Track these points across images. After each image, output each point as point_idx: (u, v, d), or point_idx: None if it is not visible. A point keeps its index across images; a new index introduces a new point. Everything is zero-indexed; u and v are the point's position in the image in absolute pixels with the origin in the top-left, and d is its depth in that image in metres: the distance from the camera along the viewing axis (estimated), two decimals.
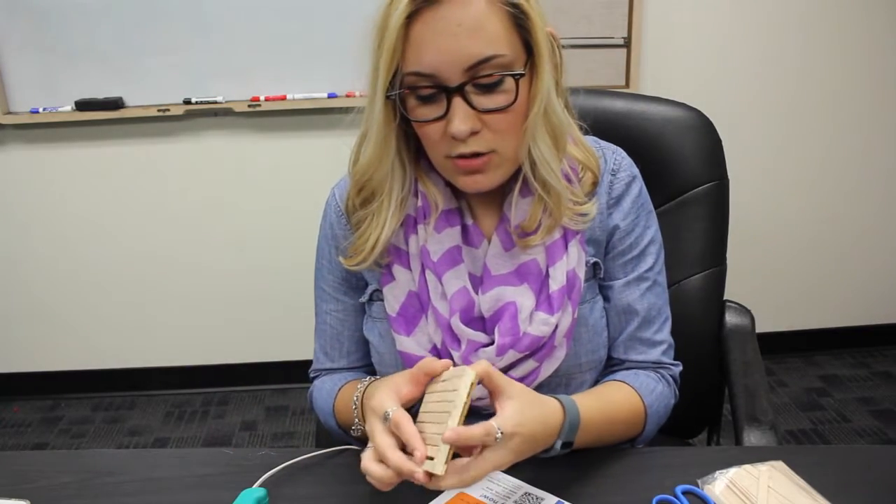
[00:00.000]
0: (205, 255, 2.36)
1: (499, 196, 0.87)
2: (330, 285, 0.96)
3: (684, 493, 0.78)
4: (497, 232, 0.87)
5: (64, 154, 2.24)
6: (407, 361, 0.88)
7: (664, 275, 0.94)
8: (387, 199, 0.84)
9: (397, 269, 0.88)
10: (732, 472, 0.81)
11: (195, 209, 2.31)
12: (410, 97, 0.78)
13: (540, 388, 0.86)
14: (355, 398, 0.86)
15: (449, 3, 0.73)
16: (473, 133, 0.77)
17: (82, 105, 2.14)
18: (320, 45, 2.11)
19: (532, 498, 0.78)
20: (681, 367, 0.95)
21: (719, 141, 1.13)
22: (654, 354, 0.92)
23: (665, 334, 0.94)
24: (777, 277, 2.50)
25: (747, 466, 0.81)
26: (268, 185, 2.30)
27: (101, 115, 2.14)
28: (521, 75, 0.76)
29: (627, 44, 2.19)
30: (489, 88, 0.76)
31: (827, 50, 2.28)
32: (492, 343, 0.85)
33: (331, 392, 0.95)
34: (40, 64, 2.11)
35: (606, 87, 2.21)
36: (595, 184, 0.88)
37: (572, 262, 0.86)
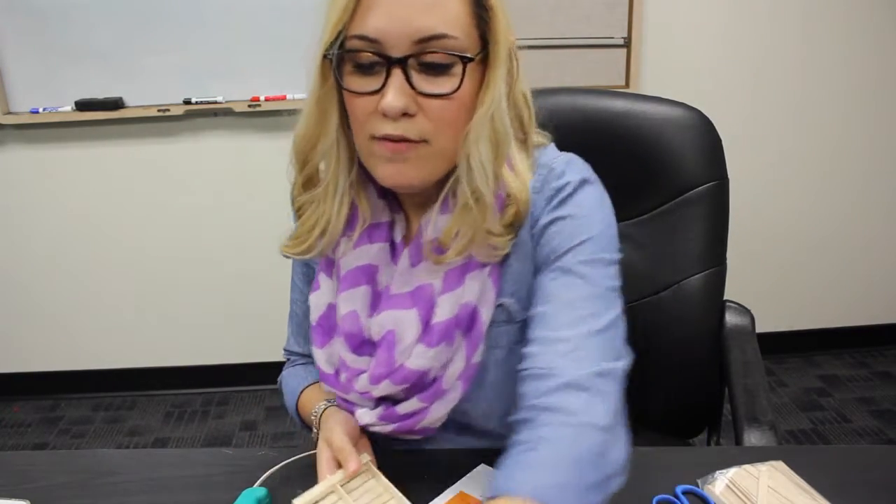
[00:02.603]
0: (205, 255, 2.36)
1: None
2: (297, 275, 0.97)
3: (684, 493, 0.78)
4: (410, 246, 0.80)
5: (64, 154, 2.24)
6: (320, 376, 0.86)
7: (604, 277, 0.77)
8: (332, 184, 0.79)
9: (322, 278, 0.85)
10: (732, 472, 0.81)
11: (195, 209, 2.31)
12: (349, 63, 0.72)
13: (446, 428, 0.84)
14: (313, 414, 0.89)
15: None
16: (407, 115, 0.71)
17: (82, 105, 2.14)
18: None
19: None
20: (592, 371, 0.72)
21: (719, 141, 1.13)
22: (567, 370, 0.71)
23: (576, 331, 0.73)
24: (777, 277, 2.50)
25: (747, 466, 0.81)
26: (268, 185, 2.30)
27: (101, 115, 2.14)
28: (471, 59, 0.71)
29: (627, 44, 2.19)
30: (434, 71, 0.70)
31: (827, 49, 2.28)
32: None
33: (294, 392, 0.96)
34: (40, 64, 2.11)
35: (606, 87, 2.20)
36: (516, 221, 0.78)
37: (469, 295, 0.78)
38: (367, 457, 0.80)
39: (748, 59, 2.27)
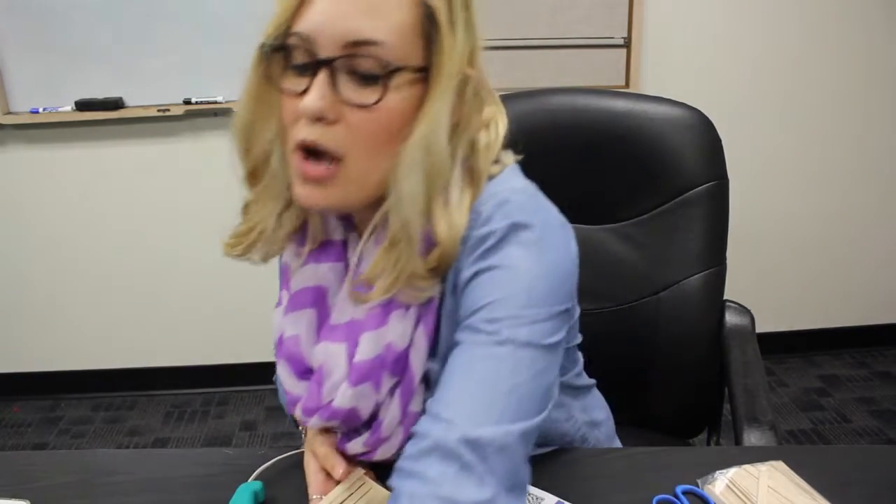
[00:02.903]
0: (205, 255, 2.36)
1: None
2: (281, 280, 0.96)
3: (684, 493, 0.78)
4: (351, 274, 0.75)
5: (64, 154, 2.24)
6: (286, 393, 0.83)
7: (522, 334, 0.67)
8: (273, 184, 0.74)
9: (284, 294, 0.81)
10: (732, 472, 0.81)
11: (195, 209, 2.31)
12: (288, 62, 0.68)
13: None
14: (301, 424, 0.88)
15: None
16: (327, 121, 0.66)
17: (82, 105, 2.14)
18: None
19: (532, 498, 0.78)
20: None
21: (719, 141, 1.13)
22: (437, 430, 0.64)
23: (460, 394, 0.66)
24: (777, 277, 2.50)
25: (747, 466, 0.81)
26: None
27: (101, 115, 2.14)
28: (398, 69, 0.65)
29: (627, 44, 2.19)
30: (364, 80, 0.65)
31: (827, 49, 2.28)
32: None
33: (285, 395, 0.95)
34: (40, 64, 2.11)
35: (606, 87, 2.20)
36: (440, 268, 0.71)
37: (392, 335, 0.72)
38: (360, 470, 0.80)
39: (748, 58, 2.27)
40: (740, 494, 0.78)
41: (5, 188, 2.27)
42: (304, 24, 0.66)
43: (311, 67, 0.66)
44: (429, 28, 0.67)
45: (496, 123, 0.75)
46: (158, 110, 2.16)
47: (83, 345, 2.45)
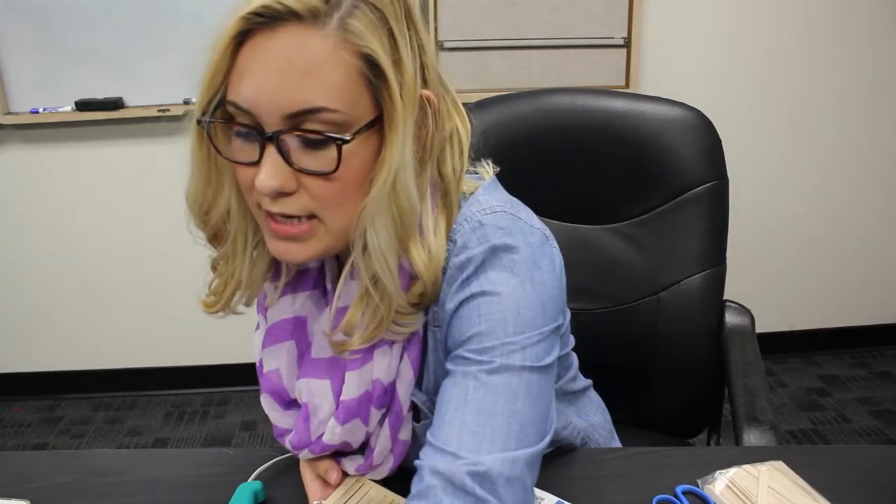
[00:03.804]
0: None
1: None
2: None
3: (684, 493, 0.79)
4: (335, 317, 0.71)
5: (64, 154, 2.24)
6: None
7: (514, 360, 0.65)
8: (240, 242, 0.73)
9: (261, 319, 0.81)
10: (732, 472, 0.81)
11: None
12: (228, 129, 0.66)
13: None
14: None
15: (286, 34, 0.60)
16: (286, 193, 0.63)
17: (82, 105, 2.14)
18: None
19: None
20: None
21: (719, 141, 1.13)
22: (442, 463, 0.62)
23: (469, 449, 0.62)
24: (777, 277, 2.50)
25: (747, 466, 0.81)
26: None
27: (101, 115, 2.14)
28: (345, 141, 0.61)
29: (627, 44, 2.19)
30: (315, 145, 0.62)
31: (827, 49, 2.28)
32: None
33: None
34: (40, 64, 2.11)
35: (606, 87, 2.20)
36: (423, 302, 0.70)
37: (378, 372, 0.71)
38: None
39: (748, 58, 2.27)
40: (740, 494, 0.78)
41: (5, 188, 2.27)
42: (241, 96, 0.62)
43: (257, 139, 0.63)
44: (372, 76, 0.62)
45: (458, 134, 0.71)
46: (158, 110, 2.16)
47: (83, 345, 2.45)
